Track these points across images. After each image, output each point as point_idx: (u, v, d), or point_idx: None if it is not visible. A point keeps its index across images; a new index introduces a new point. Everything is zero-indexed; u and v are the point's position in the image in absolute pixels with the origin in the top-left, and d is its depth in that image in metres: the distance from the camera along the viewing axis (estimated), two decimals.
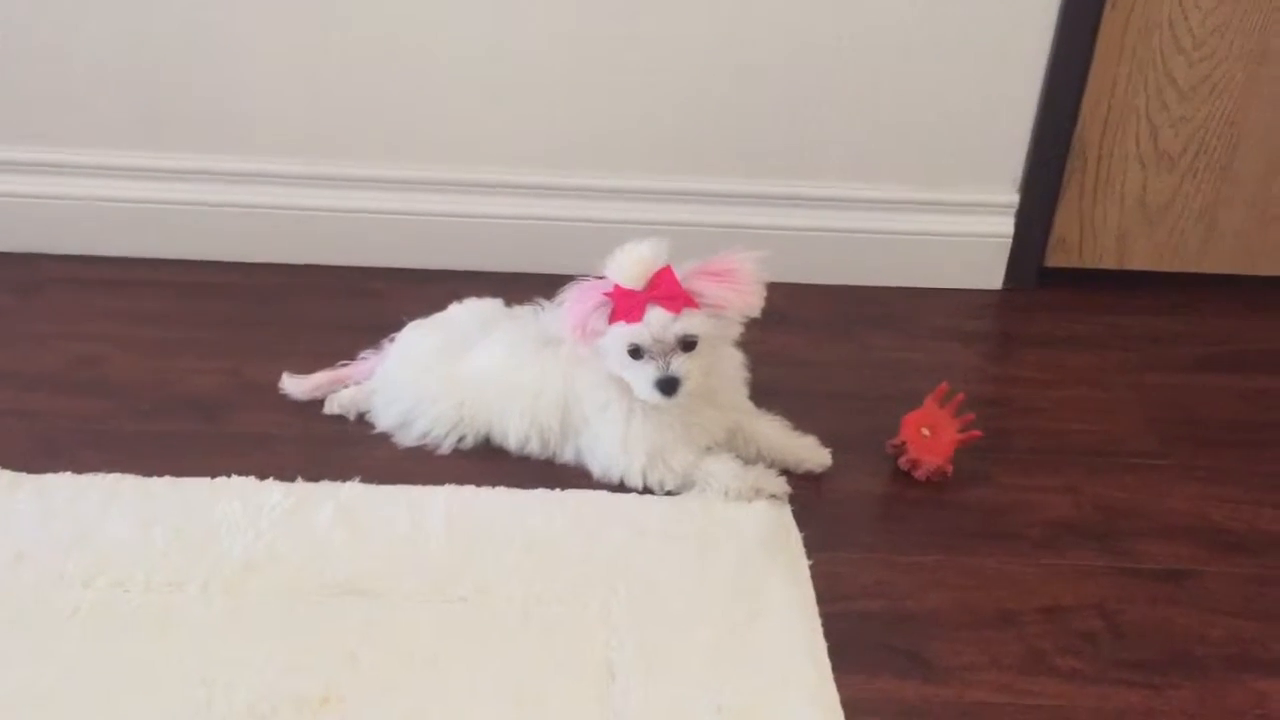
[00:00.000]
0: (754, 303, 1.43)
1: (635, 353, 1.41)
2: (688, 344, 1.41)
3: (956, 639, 1.29)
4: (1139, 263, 2.07)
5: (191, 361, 1.71)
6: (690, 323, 1.40)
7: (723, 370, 1.50)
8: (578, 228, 1.96)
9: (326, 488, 1.44)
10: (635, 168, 1.97)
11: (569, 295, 1.45)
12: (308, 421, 1.59)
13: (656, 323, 1.38)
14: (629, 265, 1.40)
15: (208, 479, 1.44)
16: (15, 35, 1.84)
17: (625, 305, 1.39)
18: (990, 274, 2.05)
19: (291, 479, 1.45)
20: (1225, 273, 2.08)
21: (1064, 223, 2.04)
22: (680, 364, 1.40)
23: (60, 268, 1.93)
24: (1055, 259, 2.07)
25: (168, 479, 1.43)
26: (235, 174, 1.95)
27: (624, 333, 1.40)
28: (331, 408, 1.61)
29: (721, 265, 1.43)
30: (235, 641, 1.21)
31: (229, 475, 1.44)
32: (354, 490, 1.44)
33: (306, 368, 1.65)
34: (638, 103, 1.92)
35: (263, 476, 1.45)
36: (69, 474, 1.43)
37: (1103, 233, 2.05)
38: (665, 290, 1.39)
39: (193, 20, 1.83)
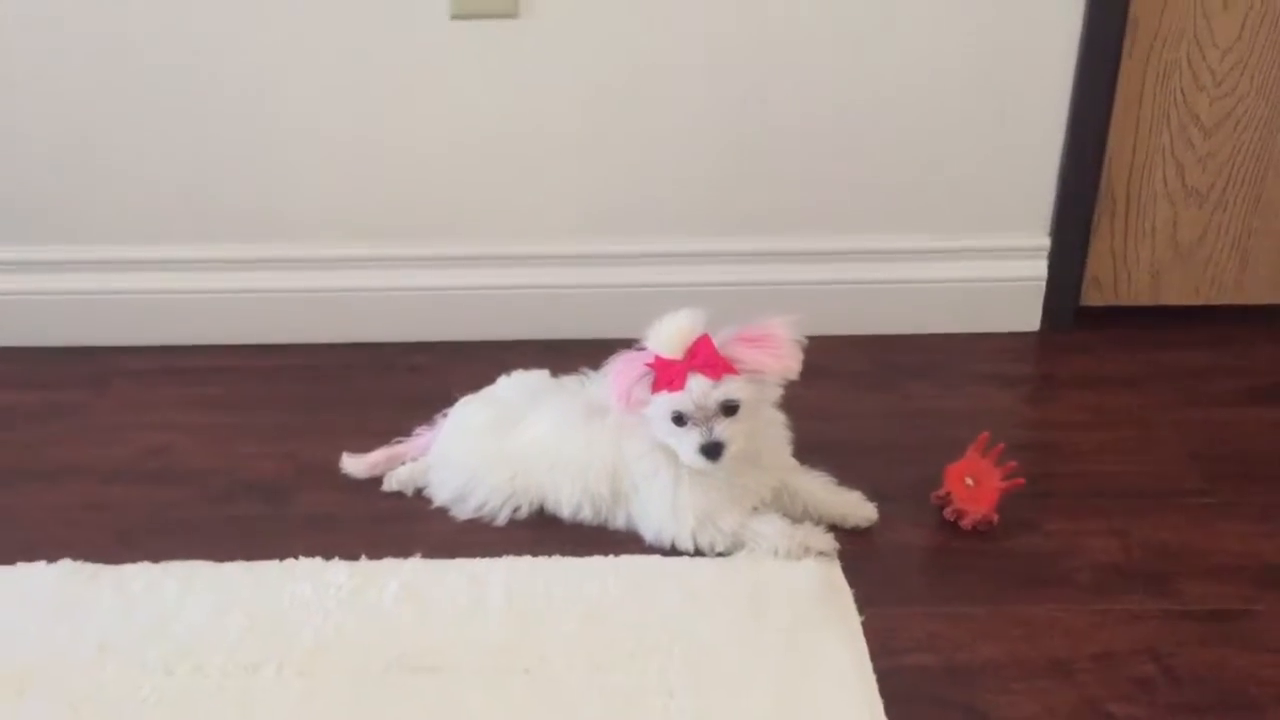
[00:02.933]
0: (791, 366, 1.47)
1: (679, 420, 1.45)
2: (729, 409, 1.45)
3: (1010, 691, 1.31)
4: (1174, 298, 2.09)
5: (254, 446, 1.78)
6: (730, 388, 1.44)
7: (765, 432, 1.54)
8: (614, 293, 2.01)
9: (389, 565, 1.50)
10: (667, 231, 2.02)
11: (613, 367, 1.50)
12: (368, 499, 1.65)
13: (698, 390, 1.43)
14: (668, 336, 1.45)
15: (277, 561, 1.50)
16: (76, 141, 1.94)
17: (667, 375, 1.44)
18: (1026, 317, 2.08)
19: (356, 557, 1.50)
20: (1262, 304, 2.09)
21: (1097, 262, 2.06)
22: (723, 429, 1.44)
23: (127, 360, 2.02)
24: (1090, 298, 2.09)
25: (240, 563, 1.50)
26: (285, 260, 2.03)
27: (667, 401, 1.44)
28: (390, 485, 1.67)
29: (757, 331, 1.47)
30: None
31: (296, 557, 1.50)
32: (416, 566, 1.49)
33: (363, 445, 1.71)
34: (664, 167, 1.98)
35: (328, 557, 1.50)
36: (145, 563, 1.50)
37: (1136, 270, 2.07)
38: (704, 358, 1.44)
39: (240, 119, 1.92)
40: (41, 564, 1.50)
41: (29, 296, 2.04)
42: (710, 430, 1.44)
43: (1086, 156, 1.97)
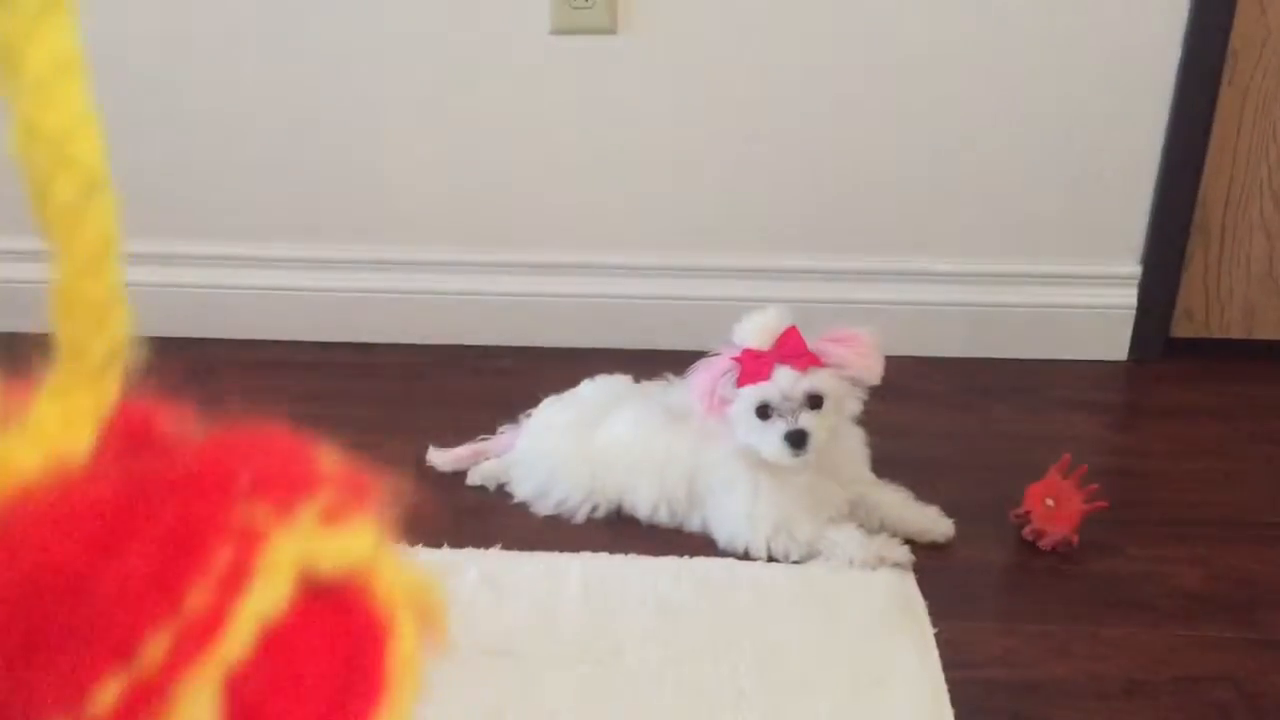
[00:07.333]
0: (875, 368, 1.49)
1: (763, 412, 1.47)
2: (815, 401, 1.46)
3: (1084, 709, 1.29)
4: (1268, 333, 2.05)
5: (345, 437, 1.83)
6: (817, 379, 1.46)
7: (844, 446, 1.55)
8: (702, 305, 2.05)
9: (470, 554, 1.54)
10: (757, 247, 2.06)
11: (696, 370, 1.52)
12: (452, 493, 1.70)
13: (785, 380, 1.45)
14: (756, 327, 1.48)
15: None
16: (195, 145, 2.04)
17: (753, 367, 1.46)
18: (1115, 345, 2.06)
19: (438, 545, 1.55)
20: None
21: (1189, 294, 2.04)
22: (808, 419, 1.46)
23: (227, 352, 2.11)
24: (1181, 330, 2.06)
25: None
26: (383, 262, 2.11)
27: (753, 392, 1.46)
28: (474, 479, 1.71)
29: (843, 333, 1.50)
30: None
31: None
32: (496, 556, 1.53)
33: (449, 442, 1.76)
34: (759, 184, 2.01)
35: (412, 544, 1.54)
36: None
37: (1229, 304, 2.04)
38: (792, 349, 1.46)
39: (347, 129, 2.01)
40: None
41: (136, 288, 2.14)
42: (795, 420, 1.45)
43: (1181, 186, 1.95)
